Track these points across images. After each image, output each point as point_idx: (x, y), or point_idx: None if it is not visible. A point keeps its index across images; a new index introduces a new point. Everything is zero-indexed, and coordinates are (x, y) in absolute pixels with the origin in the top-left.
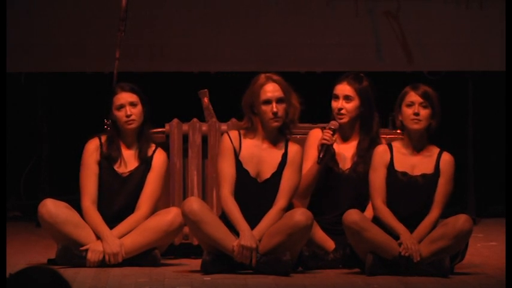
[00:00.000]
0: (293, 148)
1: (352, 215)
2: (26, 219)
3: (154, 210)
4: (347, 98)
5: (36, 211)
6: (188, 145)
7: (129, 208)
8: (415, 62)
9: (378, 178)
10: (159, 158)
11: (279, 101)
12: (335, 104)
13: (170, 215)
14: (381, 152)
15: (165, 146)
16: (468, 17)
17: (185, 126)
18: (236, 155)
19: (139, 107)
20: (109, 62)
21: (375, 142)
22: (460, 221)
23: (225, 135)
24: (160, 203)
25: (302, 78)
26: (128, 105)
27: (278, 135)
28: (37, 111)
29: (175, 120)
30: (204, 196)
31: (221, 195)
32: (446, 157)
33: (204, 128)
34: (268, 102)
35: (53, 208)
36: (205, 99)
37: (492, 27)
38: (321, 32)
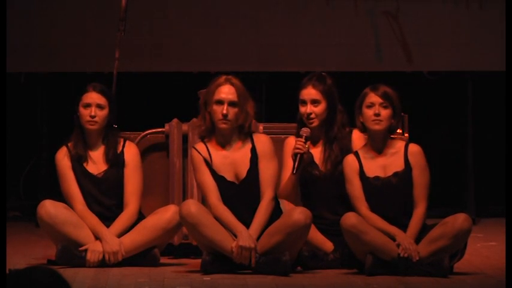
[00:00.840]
0: (259, 139)
1: (350, 218)
2: (26, 219)
3: (141, 202)
4: (314, 101)
5: (35, 211)
6: (188, 145)
7: (110, 208)
8: (415, 62)
9: (355, 188)
10: (130, 151)
11: (231, 104)
12: (303, 109)
13: (169, 213)
14: (350, 163)
15: (165, 146)
16: (468, 16)
17: (185, 126)
18: (209, 165)
19: (105, 111)
20: (109, 62)
21: (336, 139)
22: (459, 220)
23: (193, 150)
24: (160, 202)
25: (302, 78)
26: (94, 106)
27: (240, 134)
28: (37, 111)
29: (175, 120)
30: (203, 196)
31: (210, 203)
32: (413, 148)
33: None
34: (220, 102)
35: (51, 209)
36: None
37: (492, 27)
38: (321, 32)
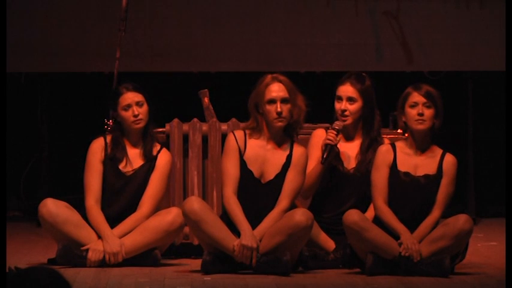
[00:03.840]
0: (298, 150)
1: (352, 215)
2: (26, 219)
3: (156, 210)
4: (350, 99)
5: (36, 211)
6: (188, 145)
7: (132, 208)
8: (415, 62)
9: (380, 178)
10: (163, 158)
11: (283, 101)
12: (338, 106)
13: (171, 215)
14: (384, 152)
15: (166, 146)
16: (468, 16)
17: (185, 126)
18: (241, 154)
19: (145, 106)
20: (109, 62)
21: (375, 141)
22: (461, 221)
23: (231, 135)
24: (162, 203)
25: (302, 78)
26: (134, 105)
27: (283, 137)
28: (37, 111)
29: (176, 120)
30: (204, 196)
31: (224, 194)
32: (450, 158)
33: (205, 128)
34: (272, 101)
35: (53, 208)
36: (206, 99)
37: (492, 27)
38: (321, 32)
